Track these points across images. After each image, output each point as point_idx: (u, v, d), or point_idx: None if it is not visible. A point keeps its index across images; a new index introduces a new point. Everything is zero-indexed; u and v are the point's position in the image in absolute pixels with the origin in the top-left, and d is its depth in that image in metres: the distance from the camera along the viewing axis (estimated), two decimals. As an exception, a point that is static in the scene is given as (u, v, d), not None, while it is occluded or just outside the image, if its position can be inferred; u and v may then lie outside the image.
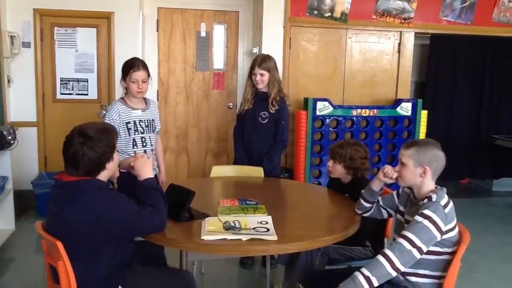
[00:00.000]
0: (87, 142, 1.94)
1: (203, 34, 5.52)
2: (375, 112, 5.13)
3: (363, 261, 2.61)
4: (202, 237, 2.00)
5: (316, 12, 5.10)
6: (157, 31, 5.41)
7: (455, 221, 2.01)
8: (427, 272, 2.02)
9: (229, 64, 5.63)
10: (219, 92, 5.65)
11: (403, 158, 2.09)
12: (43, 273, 3.39)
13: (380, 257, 1.93)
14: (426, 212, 1.94)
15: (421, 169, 2.05)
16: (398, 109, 5.18)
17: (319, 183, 4.95)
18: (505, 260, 3.91)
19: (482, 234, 4.29)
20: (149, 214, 2.00)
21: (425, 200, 2.00)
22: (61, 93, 5.02)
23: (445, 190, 2.06)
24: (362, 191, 2.37)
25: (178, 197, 2.23)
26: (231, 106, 5.66)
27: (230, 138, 5.45)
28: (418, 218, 1.94)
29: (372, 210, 2.37)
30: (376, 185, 2.29)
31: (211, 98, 5.64)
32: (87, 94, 5.07)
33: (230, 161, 5.32)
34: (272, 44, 5.05)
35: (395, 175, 2.16)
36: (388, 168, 2.20)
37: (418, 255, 1.92)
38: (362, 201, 2.36)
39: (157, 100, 5.46)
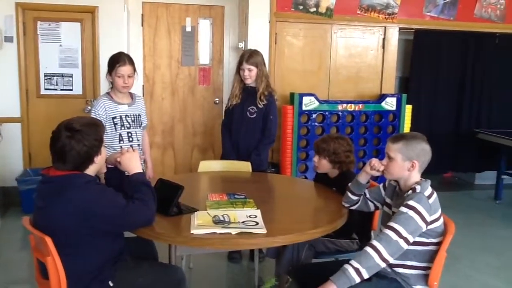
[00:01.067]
0: (75, 136, 1.93)
1: (188, 28, 5.50)
2: (360, 107, 5.18)
3: (350, 253, 2.65)
4: (191, 231, 2.01)
5: (301, 7, 5.12)
6: (142, 25, 5.38)
7: (439, 212, 2.05)
8: (414, 263, 2.06)
9: (215, 59, 5.62)
10: (205, 87, 5.64)
11: (391, 152, 2.11)
12: (29, 270, 3.38)
13: (368, 249, 1.96)
14: (411, 203, 1.97)
15: (409, 163, 2.08)
16: (383, 104, 5.23)
17: (306, 178, 4.98)
18: (486, 251, 4.00)
19: (465, 226, 4.37)
20: (138, 208, 2.00)
21: (410, 192, 2.04)
22: (45, 89, 4.96)
23: (429, 182, 2.10)
24: (349, 184, 2.40)
25: (166, 192, 2.24)
26: (217, 102, 5.65)
27: (216, 133, 5.45)
28: (403, 209, 1.98)
29: (359, 203, 2.40)
30: (363, 178, 2.32)
31: (197, 94, 5.63)
32: (71, 90, 5.02)
33: (216, 157, 5.33)
34: (258, 39, 5.05)
35: (381, 168, 2.19)
36: (375, 161, 2.23)
37: (405, 246, 1.96)
38: (349, 194, 2.39)
39: (143, 96, 5.44)
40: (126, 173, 2.21)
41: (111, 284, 2.03)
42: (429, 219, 1.98)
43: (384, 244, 1.94)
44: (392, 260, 1.96)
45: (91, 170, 2.02)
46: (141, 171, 2.21)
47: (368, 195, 2.40)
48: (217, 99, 5.66)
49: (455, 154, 6.01)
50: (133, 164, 2.18)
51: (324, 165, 2.81)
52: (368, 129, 5.25)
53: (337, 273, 1.95)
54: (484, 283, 3.43)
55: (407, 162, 2.08)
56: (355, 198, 2.39)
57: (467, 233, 4.31)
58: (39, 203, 2.00)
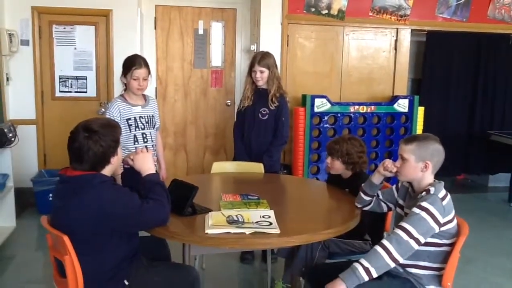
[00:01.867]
0: (92, 137, 1.97)
1: (200, 31, 5.54)
2: (373, 108, 5.17)
3: (363, 254, 2.65)
4: (206, 231, 2.03)
5: (313, 10, 5.13)
6: (155, 28, 5.44)
7: (453, 213, 2.05)
8: (426, 263, 2.07)
9: (227, 61, 5.66)
10: (217, 90, 5.68)
11: (405, 154, 2.11)
12: (44, 269, 3.44)
13: (378, 248, 1.97)
14: (424, 204, 1.98)
15: (423, 163, 2.08)
16: (395, 105, 5.22)
17: (317, 179, 4.98)
18: (500, 253, 3.98)
19: (478, 229, 4.35)
20: (153, 208, 2.02)
21: (423, 193, 2.05)
22: (60, 91, 5.03)
23: (443, 183, 2.10)
24: (362, 184, 2.40)
25: (181, 192, 2.26)
26: (229, 104, 5.68)
27: (228, 135, 5.49)
28: (415, 210, 1.99)
29: (372, 203, 2.41)
30: (376, 178, 2.33)
31: (209, 96, 5.67)
32: (86, 92, 5.08)
33: (228, 158, 5.37)
34: (270, 41, 5.08)
35: (394, 169, 2.19)
36: (388, 162, 2.23)
37: (416, 246, 1.96)
38: (362, 195, 2.40)
39: (156, 98, 5.49)
40: (141, 174, 2.24)
41: (126, 283, 2.06)
42: (442, 220, 1.99)
43: (394, 244, 1.95)
44: (402, 260, 1.97)
45: (107, 171, 2.05)
46: (155, 171, 2.23)
47: (381, 196, 2.40)
48: (229, 101, 5.69)
49: (468, 156, 5.97)
50: (146, 165, 2.21)
51: (337, 166, 2.82)
52: (380, 131, 5.25)
53: (347, 271, 1.97)
54: (497, 285, 3.40)
55: (421, 163, 2.08)
56: (368, 198, 2.39)
57: (480, 235, 4.28)
58: (57, 202, 2.04)
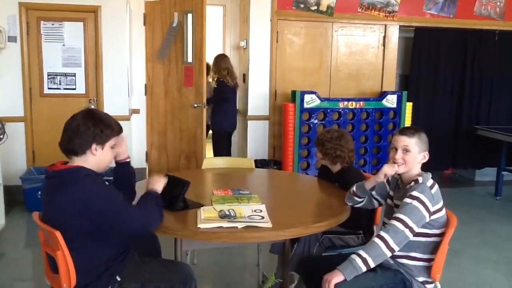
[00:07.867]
0: (88, 118, 2.00)
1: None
2: (361, 104, 5.21)
3: (354, 248, 2.69)
4: (198, 225, 2.04)
5: (302, 6, 5.16)
6: (144, 24, 5.41)
7: (441, 203, 2.11)
8: (417, 254, 2.11)
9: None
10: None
11: (409, 146, 2.14)
12: (33, 267, 3.43)
13: (376, 239, 2.01)
14: (414, 193, 2.03)
15: (422, 154, 2.16)
16: (383, 101, 5.27)
17: (307, 175, 5.01)
18: (487, 246, 4.04)
19: (465, 222, 4.41)
20: (137, 213, 1.99)
21: (412, 183, 2.10)
22: (49, 88, 4.98)
23: (430, 174, 2.15)
24: (354, 187, 2.39)
25: (173, 187, 2.27)
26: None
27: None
28: (407, 200, 2.04)
29: (363, 202, 2.43)
30: (369, 184, 2.33)
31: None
32: (74, 89, 5.04)
33: (199, 166, 5.23)
34: (259, 37, 5.10)
35: (396, 168, 2.16)
36: (389, 167, 2.19)
37: (410, 235, 2.01)
38: (354, 197, 2.40)
39: (145, 94, 5.49)
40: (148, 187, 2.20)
41: (118, 278, 2.05)
42: (432, 209, 2.04)
43: (391, 234, 2.00)
44: (397, 250, 2.01)
45: (90, 163, 2.02)
46: (159, 192, 2.18)
47: (374, 192, 2.40)
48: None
49: (455, 151, 6.05)
50: (157, 185, 2.18)
51: (318, 154, 2.90)
52: (369, 126, 5.29)
53: (345, 262, 2.00)
54: (484, 276, 3.46)
55: (421, 154, 2.16)
56: (360, 200, 2.41)
57: (468, 228, 4.35)
58: (46, 198, 2.02)
